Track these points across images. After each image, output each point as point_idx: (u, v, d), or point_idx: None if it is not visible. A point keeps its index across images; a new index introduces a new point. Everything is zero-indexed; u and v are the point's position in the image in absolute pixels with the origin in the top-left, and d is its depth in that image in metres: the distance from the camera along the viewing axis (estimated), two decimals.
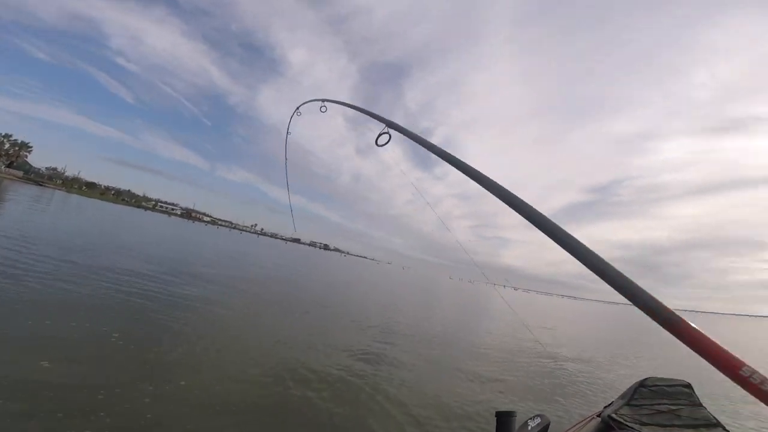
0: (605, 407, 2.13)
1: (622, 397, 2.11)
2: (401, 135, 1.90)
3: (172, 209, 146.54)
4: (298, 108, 3.76)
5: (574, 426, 2.25)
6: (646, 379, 2.11)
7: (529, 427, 1.88)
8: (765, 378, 0.71)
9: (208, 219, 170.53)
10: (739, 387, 0.72)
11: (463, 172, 1.45)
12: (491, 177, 1.35)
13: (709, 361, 0.75)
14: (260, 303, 11.54)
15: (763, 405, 0.73)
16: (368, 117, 2.24)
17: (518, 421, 1.86)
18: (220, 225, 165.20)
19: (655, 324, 0.84)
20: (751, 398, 0.71)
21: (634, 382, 2.13)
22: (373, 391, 5.59)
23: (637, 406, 1.97)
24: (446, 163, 1.56)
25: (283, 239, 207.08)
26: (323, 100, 3.20)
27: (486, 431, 5.01)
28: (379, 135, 1.96)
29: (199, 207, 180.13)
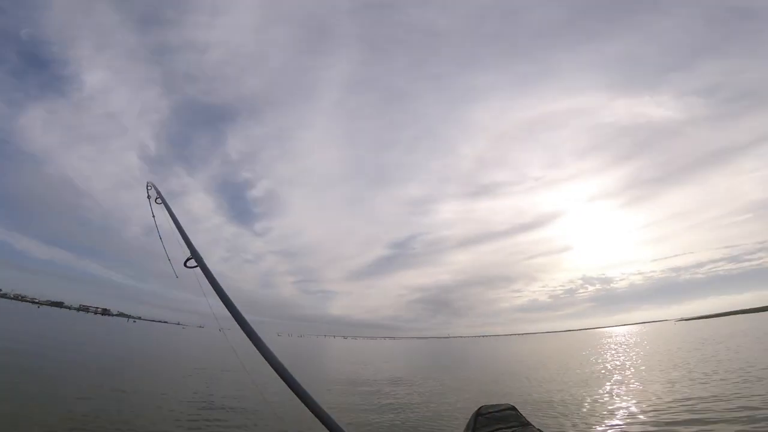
0: None
1: (466, 428, 1.68)
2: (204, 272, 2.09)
3: None
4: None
5: None
6: (480, 408, 1.73)
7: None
8: None
9: None
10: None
11: None
12: None
13: None
14: None
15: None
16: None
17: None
18: None
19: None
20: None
21: (471, 409, 1.68)
22: None
23: None
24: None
25: (35, 302, 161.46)
26: (157, 194, 3.03)
27: None
28: (188, 259, 2.13)
29: None
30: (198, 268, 2.07)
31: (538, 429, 2.00)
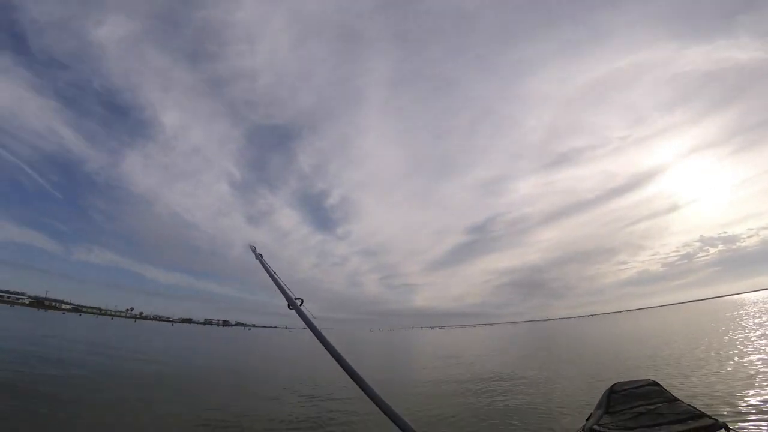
0: (586, 420, 2.12)
1: (598, 407, 2.09)
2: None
3: (18, 299, 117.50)
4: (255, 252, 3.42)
5: None
6: (613, 385, 2.13)
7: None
8: None
9: (68, 306, 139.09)
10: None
11: None
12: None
13: None
14: None
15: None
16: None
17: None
18: (85, 312, 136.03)
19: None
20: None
21: (600, 390, 2.18)
22: None
23: (616, 413, 1.96)
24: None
25: (169, 321, 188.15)
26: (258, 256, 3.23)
27: None
28: (288, 305, 2.40)
29: (54, 294, 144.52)
30: (294, 310, 2.31)
31: (688, 405, 1.86)
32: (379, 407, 1.54)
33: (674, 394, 1.98)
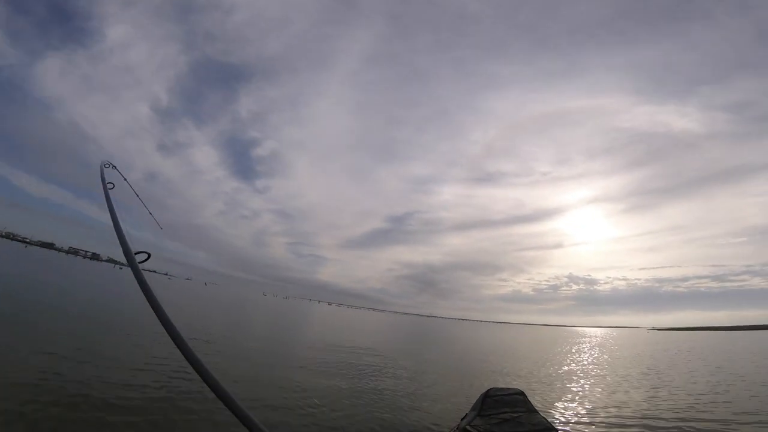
0: (461, 419, 2.29)
1: (473, 408, 2.28)
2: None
3: None
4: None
5: None
6: (489, 389, 2.32)
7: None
8: None
9: None
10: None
11: None
12: None
13: None
14: None
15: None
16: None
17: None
18: None
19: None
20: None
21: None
22: None
23: (486, 416, 2.14)
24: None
25: (24, 241, 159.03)
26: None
27: None
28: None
29: None
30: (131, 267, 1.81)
31: (543, 417, 2.08)
32: (224, 403, 1.19)
33: (535, 406, 2.22)
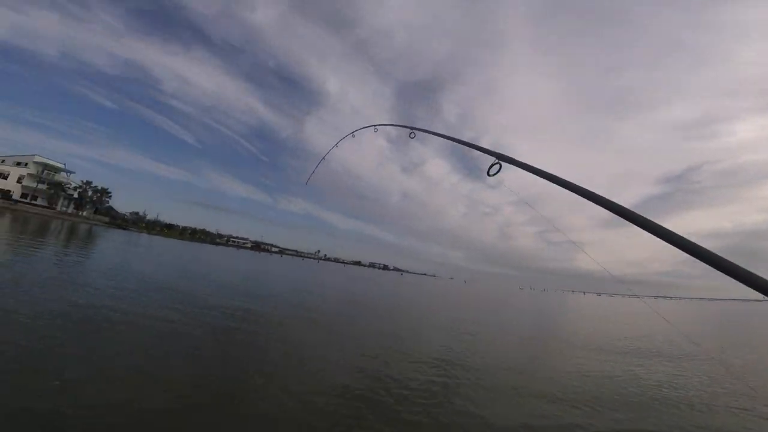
0: None
1: None
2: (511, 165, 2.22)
3: (243, 243, 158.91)
4: (374, 127, 4.63)
5: None
6: None
7: None
8: None
9: (276, 249, 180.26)
10: None
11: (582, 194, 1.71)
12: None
13: None
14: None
15: None
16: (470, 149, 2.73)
17: None
18: (287, 254, 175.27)
19: None
20: None
21: None
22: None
23: None
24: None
25: (344, 263, 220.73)
26: (412, 129, 3.46)
27: None
28: (491, 166, 2.21)
29: (267, 239, 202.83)
30: (500, 167, 2.22)
31: None
32: None
33: None
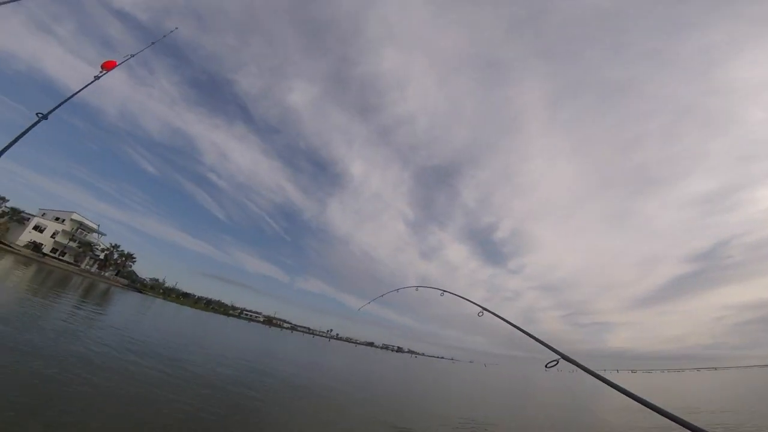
0: None
1: None
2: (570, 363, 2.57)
3: (256, 317, 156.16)
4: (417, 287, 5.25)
5: None
6: None
7: None
8: None
9: (288, 325, 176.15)
10: None
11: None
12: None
13: None
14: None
15: None
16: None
17: None
18: (298, 330, 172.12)
19: None
20: None
21: None
22: None
23: None
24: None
25: (356, 343, 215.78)
26: (483, 309, 3.68)
27: None
28: (550, 361, 2.48)
29: (280, 315, 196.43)
30: (557, 362, 2.55)
31: None
32: None
33: None
